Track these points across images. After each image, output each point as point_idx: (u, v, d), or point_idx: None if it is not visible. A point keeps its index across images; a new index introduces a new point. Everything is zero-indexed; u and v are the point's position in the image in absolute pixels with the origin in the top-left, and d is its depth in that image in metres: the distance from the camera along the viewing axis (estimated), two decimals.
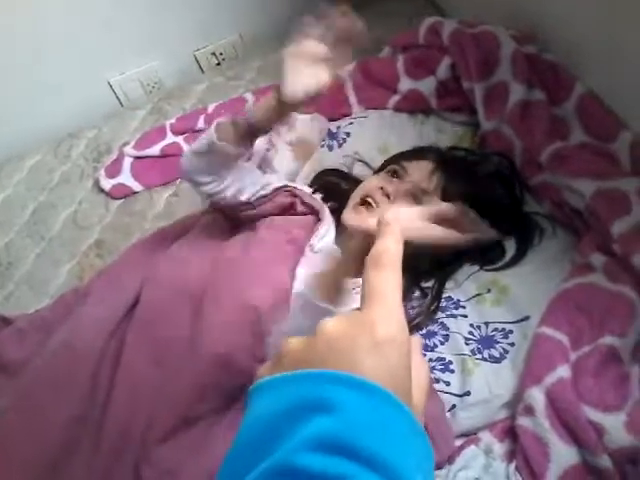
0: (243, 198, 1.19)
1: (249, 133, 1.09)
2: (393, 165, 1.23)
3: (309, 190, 1.27)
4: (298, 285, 1.07)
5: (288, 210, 1.23)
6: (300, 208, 1.22)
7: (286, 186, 1.23)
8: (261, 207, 1.22)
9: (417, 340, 0.46)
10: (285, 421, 0.35)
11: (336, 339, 0.38)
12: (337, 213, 1.20)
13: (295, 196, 1.23)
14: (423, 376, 0.44)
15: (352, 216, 1.15)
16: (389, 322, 0.39)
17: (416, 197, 1.14)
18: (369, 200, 1.14)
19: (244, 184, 1.19)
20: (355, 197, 1.18)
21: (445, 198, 1.13)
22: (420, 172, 1.17)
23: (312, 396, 0.35)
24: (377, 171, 1.32)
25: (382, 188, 1.15)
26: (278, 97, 1.01)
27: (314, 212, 1.22)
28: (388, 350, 0.37)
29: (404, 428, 0.35)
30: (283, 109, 1.04)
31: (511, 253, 1.23)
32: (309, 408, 0.34)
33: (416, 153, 1.28)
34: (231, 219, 1.30)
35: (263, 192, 1.21)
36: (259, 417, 0.37)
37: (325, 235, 1.16)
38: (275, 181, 1.24)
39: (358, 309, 0.42)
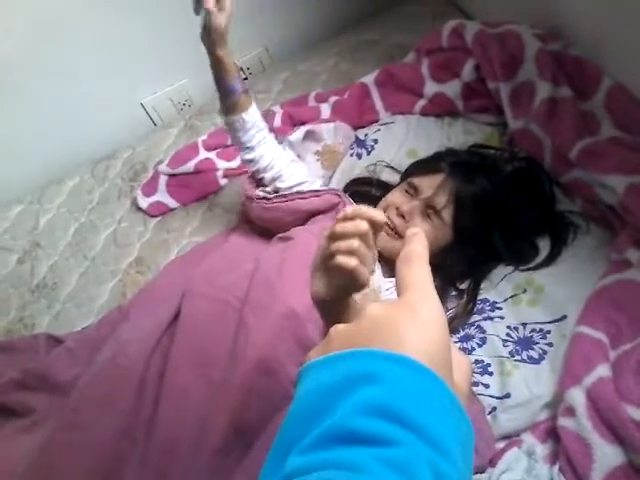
0: (282, 185, 1.30)
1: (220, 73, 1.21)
2: (406, 182, 1.26)
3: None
4: None
5: (328, 211, 1.28)
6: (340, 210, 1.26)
7: (336, 190, 1.31)
8: (306, 201, 1.29)
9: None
10: (335, 392, 0.38)
11: (380, 321, 0.42)
12: None
13: (340, 200, 1.28)
14: (465, 365, 0.47)
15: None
16: (427, 304, 0.42)
17: (427, 214, 1.18)
18: (387, 222, 1.19)
19: (276, 164, 1.30)
20: None
21: (459, 206, 1.17)
22: (430, 187, 1.19)
23: (360, 370, 0.38)
24: (400, 181, 1.33)
25: (397, 208, 1.19)
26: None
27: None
28: (429, 328, 0.41)
29: (445, 403, 0.38)
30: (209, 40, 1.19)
31: (545, 252, 1.23)
32: (358, 380, 0.37)
33: (429, 165, 1.29)
34: (266, 230, 1.34)
35: (312, 187, 1.31)
36: (310, 391, 0.40)
37: None
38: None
39: None
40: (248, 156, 1.29)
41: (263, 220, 1.33)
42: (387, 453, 0.34)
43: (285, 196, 1.29)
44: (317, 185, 1.36)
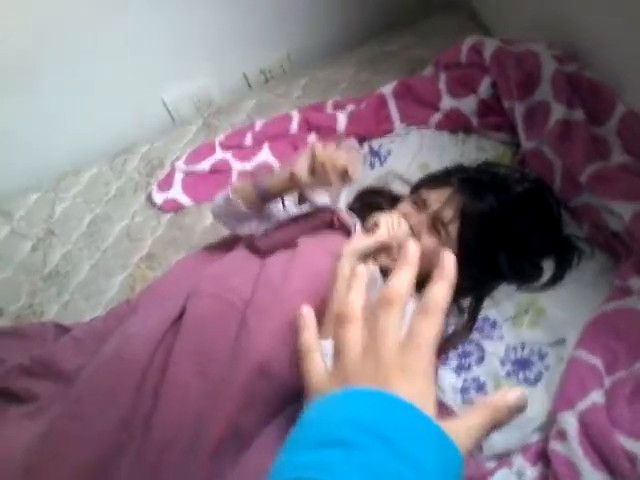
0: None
1: (261, 197, 1.20)
2: (415, 194, 1.26)
3: (344, 208, 1.33)
4: None
5: (328, 226, 1.29)
6: (337, 224, 1.27)
7: (326, 206, 1.31)
8: (302, 223, 1.29)
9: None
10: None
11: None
12: None
13: (333, 213, 1.29)
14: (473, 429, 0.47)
15: None
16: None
17: (435, 228, 1.18)
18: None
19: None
20: None
21: (465, 222, 1.17)
22: (438, 201, 1.20)
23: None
24: (410, 194, 1.34)
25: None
26: (292, 178, 1.13)
27: (347, 228, 1.26)
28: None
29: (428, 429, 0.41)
30: (293, 187, 1.17)
31: (549, 274, 1.23)
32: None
33: (439, 179, 1.29)
34: None
35: (306, 210, 1.31)
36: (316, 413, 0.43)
37: None
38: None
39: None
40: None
41: (267, 249, 1.32)
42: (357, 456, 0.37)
43: (280, 227, 1.30)
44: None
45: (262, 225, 1.27)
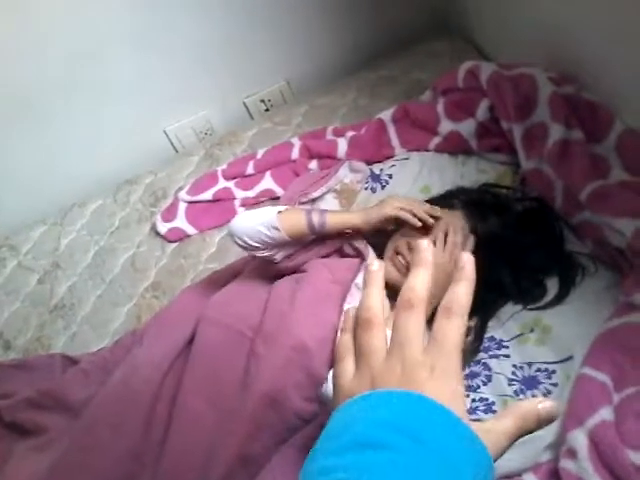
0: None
1: (313, 233, 1.22)
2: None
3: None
4: None
5: (337, 252, 1.29)
6: (348, 250, 1.28)
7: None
8: (312, 249, 1.29)
9: None
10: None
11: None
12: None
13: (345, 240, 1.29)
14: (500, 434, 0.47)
15: (388, 269, 1.20)
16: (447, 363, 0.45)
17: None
18: (399, 258, 1.20)
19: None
20: (389, 249, 1.23)
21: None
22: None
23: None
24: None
25: (409, 243, 1.20)
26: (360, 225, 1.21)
27: (360, 254, 1.27)
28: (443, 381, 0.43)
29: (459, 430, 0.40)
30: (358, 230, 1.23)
31: (553, 292, 1.24)
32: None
33: (441, 202, 1.29)
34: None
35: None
36: (343, 414, 0.44)
37: None
38: None
39: None
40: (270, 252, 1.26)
41: (285, 272, 1.31)
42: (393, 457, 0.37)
43: (300, 251, 1.29)
44: None
45: (286, 250, 1.27)
